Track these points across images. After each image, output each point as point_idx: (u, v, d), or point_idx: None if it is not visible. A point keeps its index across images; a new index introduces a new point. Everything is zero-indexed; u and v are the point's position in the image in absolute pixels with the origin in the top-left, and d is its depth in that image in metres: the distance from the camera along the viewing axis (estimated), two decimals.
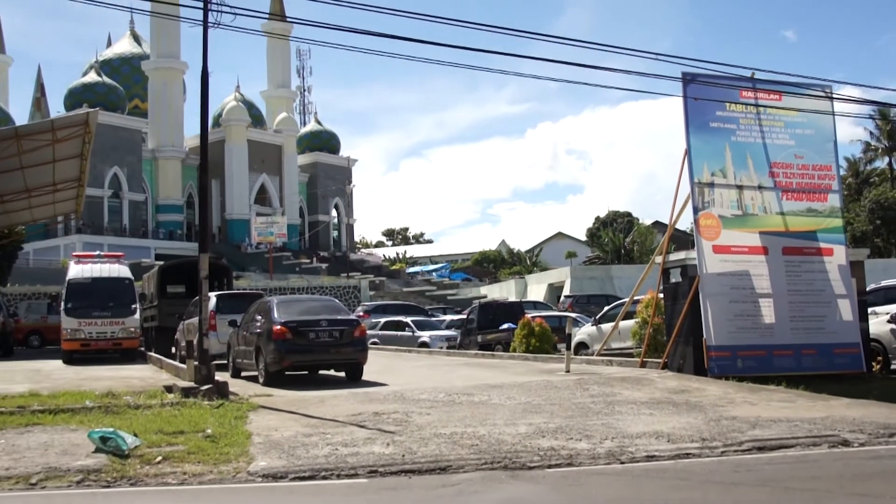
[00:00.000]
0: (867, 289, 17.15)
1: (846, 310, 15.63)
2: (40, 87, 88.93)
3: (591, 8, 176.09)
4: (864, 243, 55.48)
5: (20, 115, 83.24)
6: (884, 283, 19.60)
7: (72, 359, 24.33)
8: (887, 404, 12.10)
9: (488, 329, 25.43)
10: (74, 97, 69.84)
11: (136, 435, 9.30)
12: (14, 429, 10.41)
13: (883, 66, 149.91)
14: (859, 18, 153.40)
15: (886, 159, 69.89)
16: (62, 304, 25.62)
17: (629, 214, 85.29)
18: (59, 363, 23.62)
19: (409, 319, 31.97)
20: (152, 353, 24.07)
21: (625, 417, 11.11)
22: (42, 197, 35.66)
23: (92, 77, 73.20)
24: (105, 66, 77.64)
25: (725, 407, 11.91)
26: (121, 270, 26.85)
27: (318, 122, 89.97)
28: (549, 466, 8.29)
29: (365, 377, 16.57)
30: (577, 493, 7.30)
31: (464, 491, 7.39)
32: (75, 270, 26.54)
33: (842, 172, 24.38)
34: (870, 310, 16.50)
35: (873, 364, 15.92)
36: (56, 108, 77.80)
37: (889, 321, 15.96)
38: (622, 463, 8.50)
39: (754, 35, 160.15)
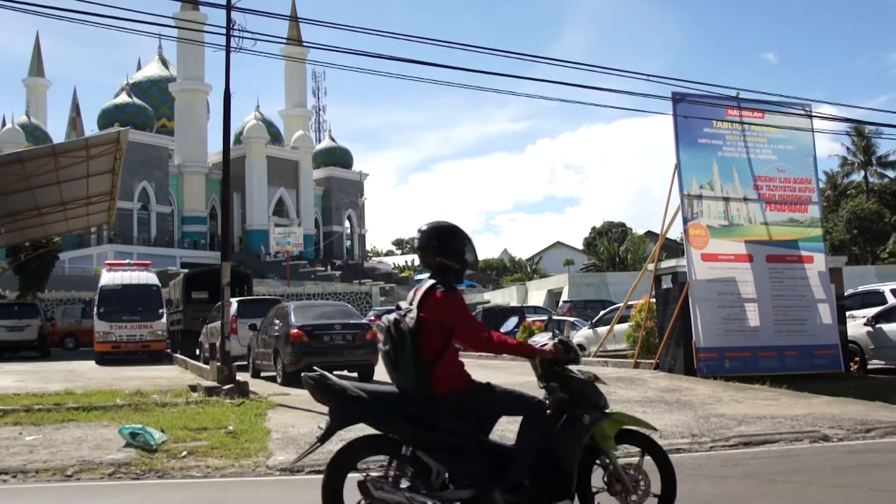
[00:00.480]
0: (845, 294, 17.11)
1: (826, 314, 15.59)
2: (76, 108, 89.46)
3: (587, 32, 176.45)
4: (841, 251, 55.29)
5: (57, 133, 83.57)
6: (861, 288, 19.59)
7: (104, 360, 24.37)
8: (864, 402, 12.06)
9: None
10: (107, 117, 70.19)
11: (163, 431, 9.31)
12: (51, 424, 10.43)
13: (858, 87, 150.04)
14: (835, 42, 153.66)
15: (862, 173, 69.85)
16: (95, 309, 25.70)
17: (623, 225, 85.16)
18: (92, 364, 23.65)
19: None
20: (178, 355, 24.07)
21: None
22: (77, 209, 35.82)
23: (123, 98, 73.53)
24: (135, 88, 77.97)
25: (714, 405, 11.87)
26: (149, 278, 26.91)
27: (332, 139, 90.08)
28: None
29: (376, 377, 16.51)
30: None
31: None
32: (107, 278, 26.61)
33: (821, 185, 24.40)
34: (848, 313, 16.49)
35: (851, 364, 15.88)
36: (90, 128, 78.28)
37: (866, 324, 15.93)
38: None
39: (738, 57, 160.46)
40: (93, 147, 29.04)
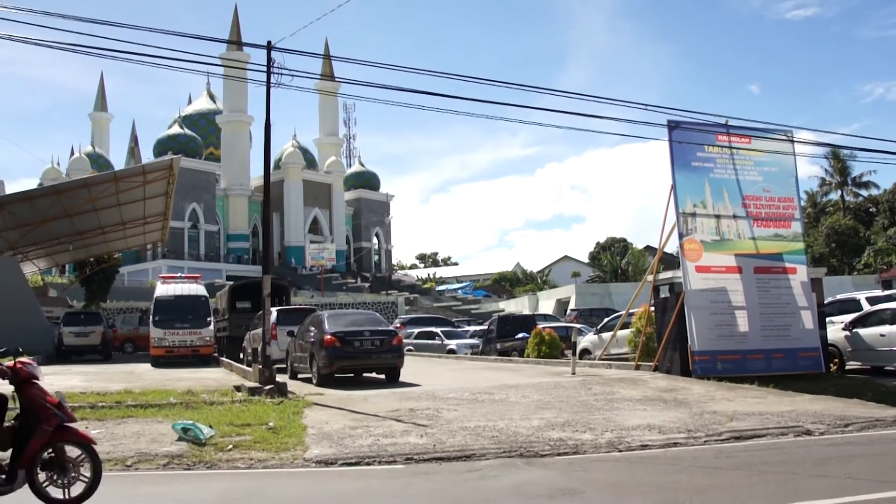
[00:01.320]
0: (825, 301, 17.00)
1: (808, 319, 15.48)
2: (134, 139, 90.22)
3: (589, 65, 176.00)
4: (821, 263, 54.92)
5: (118, 161, 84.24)
6: (839, 296, 19.47)
7: (158, 363, 24.49)
8: (843, 399, 11.97)
9: (506, 338, 25.27)
10: (161, 146, 70.83)
11: (211, 426, 9.35)
12: (112, 420, 10.52)
13: (834, 115, 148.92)
14: (813, 75, 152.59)
15: (839, 192, 69.67)
16: (151, 317, 25.85)
17: (625, 240, 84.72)
18: (148, 366, 23.79)
19: (438, 330, 31.80)
20: (224, 359, 24.16)
21: (622, 412, 11.02)
22: (134, 228, 36.25)
23: (175, 129, 74.18)
24: (186, 120, 78.58)
25: (707, 403, 11.80)
26: (198, 289, 27.04)
27: (362, 164, 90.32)
28: (558, 454, 8.25)
29: (401, 379, 16.51)
30: (582, 477, 7.25)
31: (486, 475, 7.36)
32: (161, 289, 26.79)
33: (802, 203, 24.24)
34: (827, 319, 16.36)
35: (831, 365, 15.75)
36: (147, 156, 78.88)
37: (844, 329, 15.83)
38: (620, 451, 8.44)
39: (726, 89, 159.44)
40: (149, 173, 29.41)
